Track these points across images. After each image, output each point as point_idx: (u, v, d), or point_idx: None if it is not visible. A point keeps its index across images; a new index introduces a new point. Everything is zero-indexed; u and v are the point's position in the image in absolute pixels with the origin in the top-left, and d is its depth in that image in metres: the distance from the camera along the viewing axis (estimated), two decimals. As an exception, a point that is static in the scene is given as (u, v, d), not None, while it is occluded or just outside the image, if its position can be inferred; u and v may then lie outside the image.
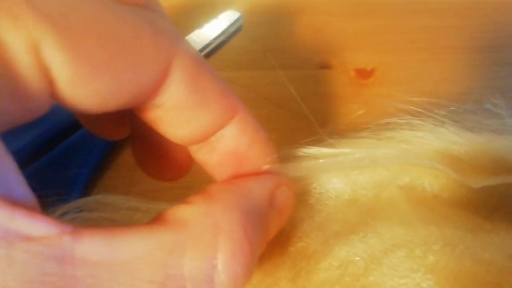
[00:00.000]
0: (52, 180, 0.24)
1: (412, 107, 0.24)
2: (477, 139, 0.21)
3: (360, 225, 0.19)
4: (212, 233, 0.13)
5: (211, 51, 0.35)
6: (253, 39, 0.36)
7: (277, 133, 0.23)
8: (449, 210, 0.20)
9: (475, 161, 0.21)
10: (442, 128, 0.21)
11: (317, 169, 0.21)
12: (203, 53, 0.34)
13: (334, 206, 0.21)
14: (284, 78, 0.29)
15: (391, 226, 0.19)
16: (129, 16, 0.13)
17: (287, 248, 0.19)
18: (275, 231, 0.17)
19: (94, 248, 0.11)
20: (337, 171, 0.21)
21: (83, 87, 0.12)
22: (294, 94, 0.26)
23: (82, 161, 0.25)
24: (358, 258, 0.17)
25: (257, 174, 0.17)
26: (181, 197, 0.23)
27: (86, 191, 0.25)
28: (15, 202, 0.10)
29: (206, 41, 0.34)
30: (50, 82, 0.12)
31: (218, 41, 0.35)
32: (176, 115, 0.15)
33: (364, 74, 0.34)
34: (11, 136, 0.12)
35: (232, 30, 0.36)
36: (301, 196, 0.20)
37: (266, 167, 0.17)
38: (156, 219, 0.14)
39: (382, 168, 0.21)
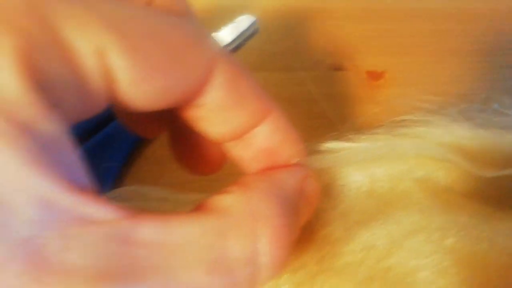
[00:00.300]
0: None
1: (425, 105, 0.26)
2: (487, 135, 0.23)
3: (379, 214, 0.21)
4: (251, 219, 0.14)
5: (228, 53, 0.37)
6: (269, 42, 0.38)
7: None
8: (462, 200, 0.22)
9: (486, 154, 0.22)
10: (454, 125, 0.23)
11: (338, 162, 0.22)
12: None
13: (354, 197, 0.22)
14: (307, 79, 0.31)
15: (408, 214, 0.20)
16: (178, 24, 0.14)
17: (311, 235, 0.20)
18: (305, 219, 0.18)
19: (151, 231, 0.12)
20: (356, 164, 0.22)
21: (140, 88, 0.13)
22: (315, 95, 0.27)
23: (114, 153, 0.27)
24: (380, 243, 0.19)
25: (287, 166, 0.18)
26: (207, 189, 0.24)
27: (116, 182, 0.27)
28: (85, 190, 0.12)
29: (223, 44, 0.36)
30: (110, 84, 0.13)
31: (234, 44, 0.37)
32: (216, 114, 0.16)
33: (375, 75, 0.36)
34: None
35: (248, 33, 0.38)
36: (323, 188, 0.22)
37: (295, 160, 0.18)
38: (198, 208, 0.15)
39: (398, 162, 0.23)
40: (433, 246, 0.18)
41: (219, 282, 0.13)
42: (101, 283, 0.11)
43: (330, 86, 0.35)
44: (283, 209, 0.15)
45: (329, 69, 0.36)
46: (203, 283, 0.13)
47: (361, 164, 0.23)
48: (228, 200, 0.14)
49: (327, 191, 0.22)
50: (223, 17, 0.38)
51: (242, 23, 0.37)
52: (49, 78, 0.11)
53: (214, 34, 0.37)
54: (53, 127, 0.11)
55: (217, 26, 0.37)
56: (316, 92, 0.34)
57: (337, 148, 0.22)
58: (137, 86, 0.13)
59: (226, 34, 0.36)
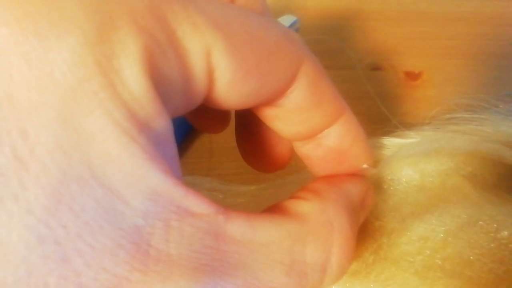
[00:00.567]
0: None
1: (469, 103, 0.27)
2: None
3: (433, 207, 0.21)
4: (327, 228, 0.15)
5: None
6: (309, 42, 0.38)
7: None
8: (510, 197, 0.22)
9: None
10: (504, 122, 0.23)
11: (388, 157, 0.23)
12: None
13: (405, 191, 0.23)
14: (346, 78, 0.31)
15: (461, 207, 0.21)
16: (269, 26, 0.14)
17: (366, 227, 0.21)
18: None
19: (240, 228, 0.12)
20: (406, 159, 0.23)
21: (237, 87, 0.13)
22: (356, 93, 0.28)
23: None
24: (436, 234, 0.19)
25: (351, 175, 0.18)
26: (252, 182, 0.25)
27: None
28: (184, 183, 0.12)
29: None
30: (211, 83, 0.13)
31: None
32: (294, 114, 0.16)
33: (412, 76, 0.36)
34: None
35: (288, 33, 0.38)
36: (376, 182, 0.22)
37: (365, 166, 0.19)
38: (276, 209, 0.15)
39: (447, 158, 0.23)
40: (489, 237, 0.19)
41: (294, 284, 0.14)
42: (195, 275, 0.11)
43: (369, 85, 0.36)
44: (352, 220, 0.16)
45: (368, 69, 0.37)
46: (281, 284, 0.13)
47: (411, 160, 0.23)
48: (306, 207, 0.15)
49: (379, 184, 0.22)
50: (264, 17, 0.39)
51: (283, 23, 0.38)
52: (164, 76, 0.12)
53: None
54: (164, 124, 0.11)
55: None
56: (356, 91, 0.34)
57: (387, 144, 0.23)
58: (234, 85, 0.13)
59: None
